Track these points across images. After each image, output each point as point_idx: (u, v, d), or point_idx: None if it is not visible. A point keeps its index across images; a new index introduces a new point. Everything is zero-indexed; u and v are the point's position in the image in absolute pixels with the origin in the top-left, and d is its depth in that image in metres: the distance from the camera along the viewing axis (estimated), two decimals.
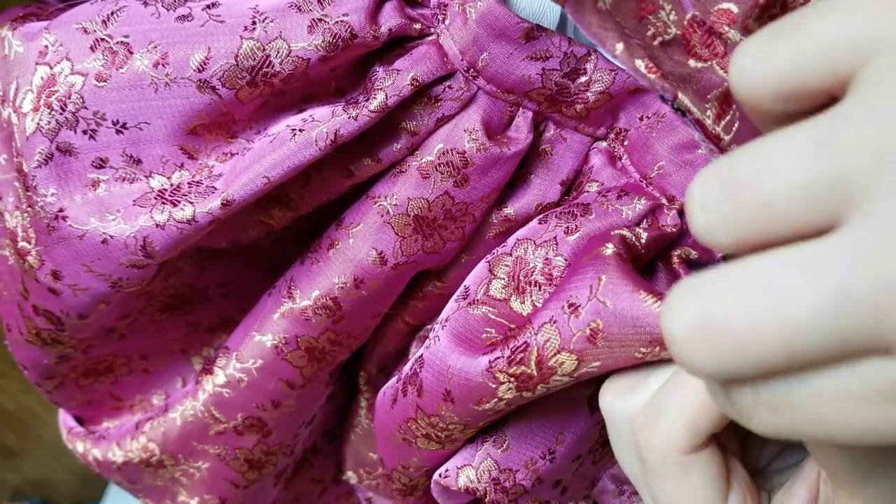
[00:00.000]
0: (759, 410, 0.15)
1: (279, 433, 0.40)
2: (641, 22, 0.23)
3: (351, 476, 0.49)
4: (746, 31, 0.23)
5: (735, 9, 0.23)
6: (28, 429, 0.81)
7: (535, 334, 0.27)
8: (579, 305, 0.26)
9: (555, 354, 0.26)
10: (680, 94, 0.22)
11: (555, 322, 0.26)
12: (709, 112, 0.22)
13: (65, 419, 0.44)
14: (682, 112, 0.22)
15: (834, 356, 0.14)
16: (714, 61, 0.23)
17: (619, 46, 0.21)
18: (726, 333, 0.14)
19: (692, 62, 0.23)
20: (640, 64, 0.21)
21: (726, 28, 0.23)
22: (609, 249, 0.27)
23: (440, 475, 0.34)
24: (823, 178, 0.14)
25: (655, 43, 0.22)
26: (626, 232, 0.28)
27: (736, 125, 0.22)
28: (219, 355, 0.38)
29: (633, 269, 0.26)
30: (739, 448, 0.26)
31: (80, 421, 0.44)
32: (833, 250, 0.14)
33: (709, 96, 0.23)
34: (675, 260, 0.28)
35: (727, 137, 0.22)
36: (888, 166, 0.14)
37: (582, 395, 0.30)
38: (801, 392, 0.15)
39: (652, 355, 0.25)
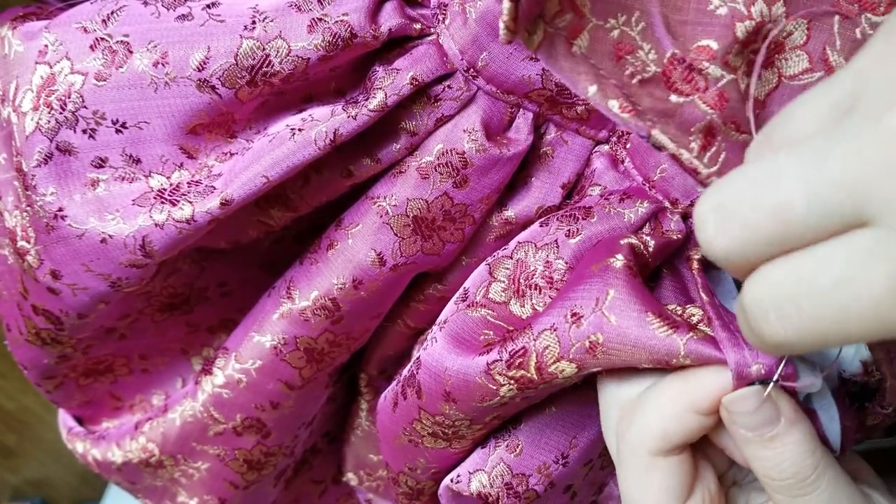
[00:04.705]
0: (768, 317, 0.18)
1: (278, 434, 0.40)
2: (619, 62, 0.23)
3: (351, 477, 0.49)
4: (727, 66, 0.23)
5: (714, 45, 0.23)
6: (28, 429, 0.80)
7: (535, 340, 0.27)
8: (582, 316, 0.26)
9: (554, 362, 0.26)
10: (654, 131, 0.22)
11: (555, 329, 0.26)
12: (692, 144, 0.23)
13: (64, 419, 0.44)
14: (658, 148, 0.23)
15: (823, 232, 0.17)
16: (696, 96, 0.23)
17: (593, 88, 0.22)
18: (734, 213, 0.18)
19: (673, 97, 0.23)
20: (614, 104, 0.22)
21: (706, 64, 0.23)
22: (619, 261, 0.26)
23: (451, 480, 0.33)
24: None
25: (634, 81, 0.23)
26: (634, 240, 0.28)
27: (723, 156, 0.23)
28: (218, 356, 0.38)
29: (643, 286, 0.26)
30: (728, 464, 0.27)
31: (79, 421, 0.44)
32: (822, 149, 0.17)
33: (692, 129, 0.23)
34: (696, 266, 0.28)
35: (708, 170, 0.23)
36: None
37: (595, 399, 0.30)
38: (805, 281, 0.17)
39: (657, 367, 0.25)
